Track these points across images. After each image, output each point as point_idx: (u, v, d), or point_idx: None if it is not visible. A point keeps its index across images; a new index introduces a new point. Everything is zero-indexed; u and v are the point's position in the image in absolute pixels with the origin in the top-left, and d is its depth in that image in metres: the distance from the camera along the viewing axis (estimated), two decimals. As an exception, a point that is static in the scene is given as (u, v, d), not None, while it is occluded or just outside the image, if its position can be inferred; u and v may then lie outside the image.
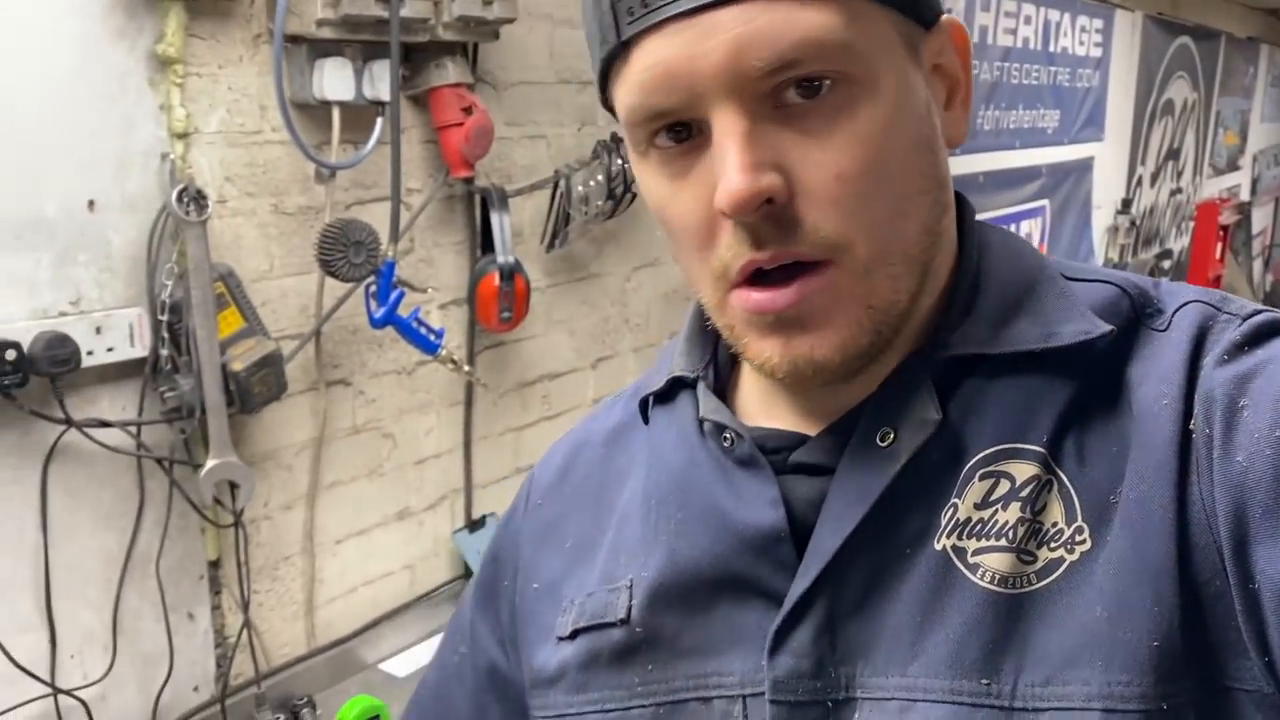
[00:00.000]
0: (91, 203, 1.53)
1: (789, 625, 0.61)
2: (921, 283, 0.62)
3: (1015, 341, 0.61)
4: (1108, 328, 0.60)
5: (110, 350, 1.54)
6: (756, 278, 0.59)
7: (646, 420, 0.74)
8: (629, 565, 0.69)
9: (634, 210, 2.46)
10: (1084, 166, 4.81)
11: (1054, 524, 0.58)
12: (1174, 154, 6.00)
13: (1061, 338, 0.61)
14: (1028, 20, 4.08)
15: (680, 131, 0.59)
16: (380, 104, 1.80)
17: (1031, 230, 4.40)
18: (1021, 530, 0.58)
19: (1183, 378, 0.59)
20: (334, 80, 1.73)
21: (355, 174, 1.86)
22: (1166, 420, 0.58)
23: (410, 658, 2.02)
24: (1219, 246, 6.08)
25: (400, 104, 1.88)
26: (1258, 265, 7.59)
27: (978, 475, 0.60)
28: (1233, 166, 7.23)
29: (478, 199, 2.06)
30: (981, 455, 0.60)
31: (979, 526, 0.59)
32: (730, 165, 0.56)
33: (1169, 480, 0.57)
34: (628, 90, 0.59)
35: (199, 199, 1.57)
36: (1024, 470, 0.59)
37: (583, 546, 0.74)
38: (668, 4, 0.56)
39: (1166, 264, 5.91)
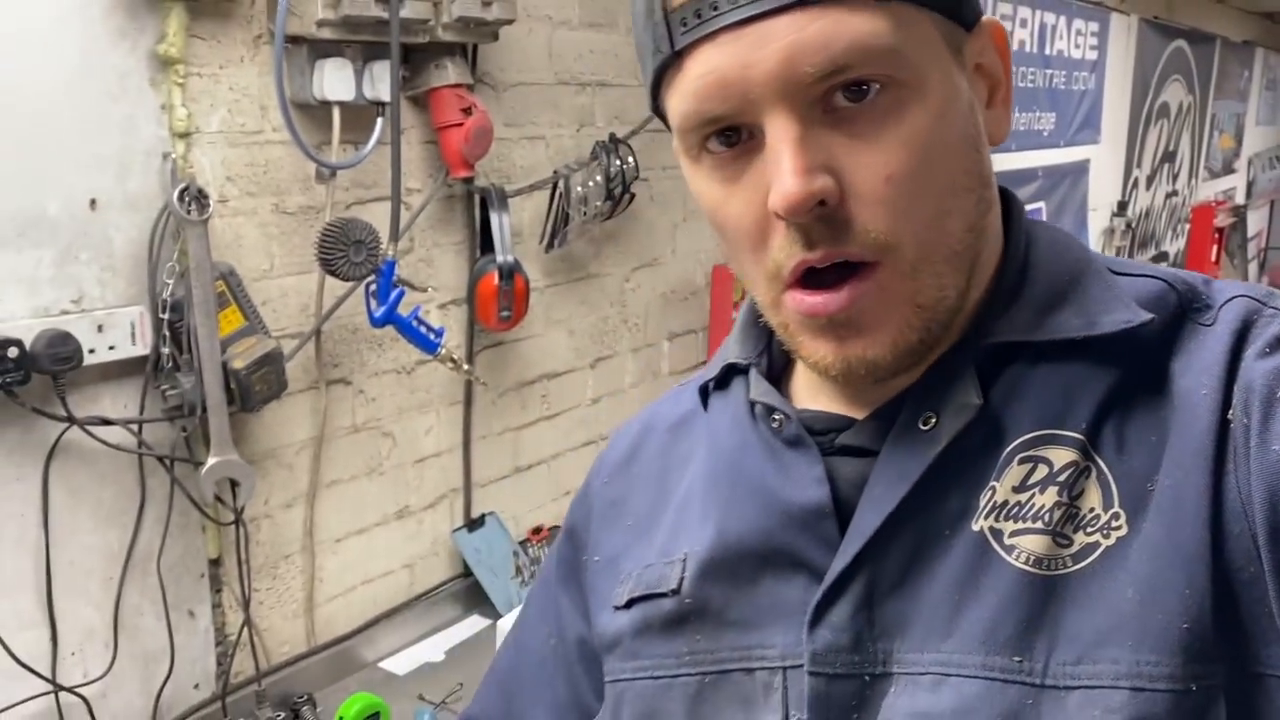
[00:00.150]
0: (93, 201, 1.53)
1: (829, 600, 0.63)
2: (969, 278, 0.64)
3: (1057, 330, 0.63)
4: (1148, 316, 0.62)
5: (112, 348, 1.55)
6: (808, 277, 0.61)
7: (705, 406, 0.77)
8: (686, 541, 0.72)
9: (633, 211, 2.48)
10: (1080, 169, 4.83)
11: (1091, 509, 0.59)
12: (1170, 157, 6.02)
13: (1103, 326, 0.62)
14: (1024, 23, 4.10)
15: (732, 136, 0.61)
16: (380, 104, 1.81)
17: (1028, 232, 4.40)
18: (1058, 514, 0.59)
19: (1223, 369, 0.60)
20: (334, 81, 1.74)
21: (355, 174, 1.87)
22: (1205, 410, 0.59)
23: (409, 656, 2.03)
24: (1214, 249, 6.10)
25: (400, 104, 1.88)
26: (1253, 268, 7.61)
27: (1016, 459, 0.61)
28: (1228, 169, 7.26)
29: (477, 199, 2.07)
30: (1021, 440, 0.62)
31: (1016, 509, 0.60)
32: (785, 169, 0.58)
33: (1206, 468, 0.58)
34: (681, 98, 0.61)
35: (200, 198, 1.58)
36: (1062, 456, 0.60)
37: (642, 525, 0.77)
38: (721, 15, 0.58)
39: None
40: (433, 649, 2.05)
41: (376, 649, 2.03)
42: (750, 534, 0.68)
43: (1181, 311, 0.64)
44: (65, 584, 1.57)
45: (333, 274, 1.73)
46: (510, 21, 1.93)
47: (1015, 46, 4.06)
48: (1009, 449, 0.62)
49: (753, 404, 0.71)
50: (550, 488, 2.43)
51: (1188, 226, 6.31)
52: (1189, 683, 0.55)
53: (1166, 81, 5.69)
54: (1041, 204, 4.50)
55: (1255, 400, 0.58)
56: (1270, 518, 0.55)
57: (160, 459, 1.64)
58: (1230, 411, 0.59)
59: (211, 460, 1.64)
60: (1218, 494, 0.57)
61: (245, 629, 1.79)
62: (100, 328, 1.53)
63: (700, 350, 2.88)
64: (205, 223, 1.59)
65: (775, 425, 0.69)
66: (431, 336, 1.86)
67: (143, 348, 1.59)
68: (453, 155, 1.93)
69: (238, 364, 1.62)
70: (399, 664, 2.01)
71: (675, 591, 0.70)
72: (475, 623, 2.12)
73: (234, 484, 1.69)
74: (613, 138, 2.36)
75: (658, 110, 0.67)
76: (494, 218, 2.01)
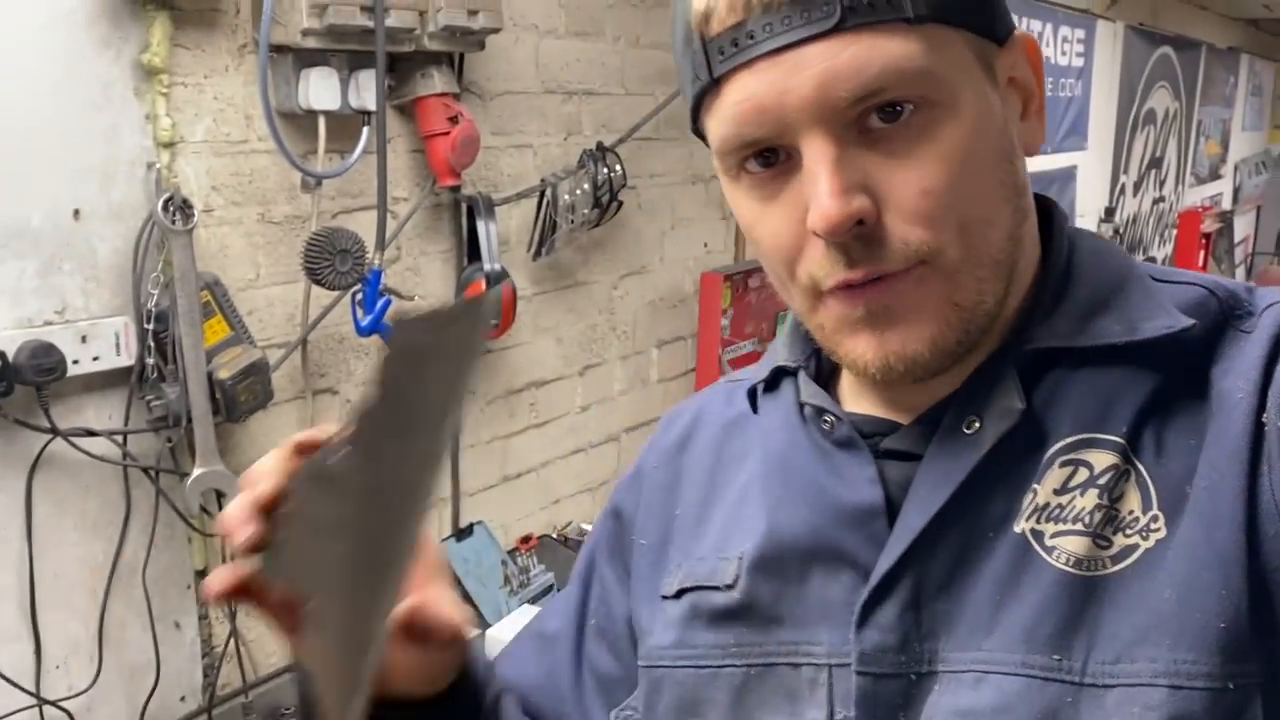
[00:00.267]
0: (77, 212, 1.53)
1: (875, 600, 0.64)
2: (1007, 286, 0.65)
3: (1098, 335, 0.64)
4: (1189, 322, 0.63)
5: (96, 359, 1.54)
6: (844, 288, 0.63)
7: (755, 409, 0.78)
8: (740, 539, 0.73)
9: (620, 218, 2.48)
10: (1067, 175, 4.85)
11: (1130, 512, 0.61)
12: (1156, 163, 6.05)
13: (1144, 332, 0.63)
14: (1010, 30, 4.12)
15: (769, 157, 0.63)
16: (366, 113, 1.81)
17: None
18: (1098, 516, 0.61)
19: (1260, 373, 0.61)
20: (320, 90, 1.74)
21: (341, 183, 1.86)
22: (1241, 413, 0.60)
23: (398, 667, 2.02)
24: (1201, 254, 6.13)
25: (386, 113, 1.88)
26: (1240, 272, 7.65)
27: (1058, 462, 0.63)
28: (1214, 175, 7.30)
29: (464, 207, 2.07)
30: (1062, 444, 0.63)
31: (1057, 511, 0.62)
32: (823, 190, 0.59)
33: (1240, 471, 0.59)
34: (720, 121, 0.63)
35: (185, 208, 1.58)
36: (1103, 459, 0.62)
37: (690, 515, 0.78)
38: (757, 44, 0.60)
39: (1150, 272, 5.94)
40: (421, 659, 2.04)
41: (364, 660, 2.02)
42: (801, 531, 0.69)
43: (1223, 318, 0.65)
44: (49, 597, 1.56)
45: (319, 283, 1.73)
46: (496, 31, 1.93)
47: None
48: (1050, 452, 0.63)
49: (802, 405, 0.73)
50: (539, 496, 2.43)
51: (1174, 232, 6.34)
52: (1226, 681, 0.56)
53: (1153, 88, 5.72)
54: (1029, 210, 4.50)
55: None
56: None
57: (145, 470, 1.63)
58: (1265, 415, 0.60)
59: (197, 471, 1.63)
60: (1252, 496, 0.59)
61: (232, 640, 1.78)
62: (84, 338, 1.53)
63: (689, 357, 2.87)
64: (190, 232, 1.58)
65: (826, 427, 0.71)
66: (418, 345, 1.85)
67: (127, 358, 1.58)
68: (439, 164, 1.93)
69: (223, 374, 1.62)
70: (387, 675, 2.00)
71: (729, 586, 0.71)
72: (464, 632, 2.11)
73: (220, 495, 1.68)
74: (600, 146, 2.36)
75: (698, 131, 0.68)
76: (481, 226, 2.00)
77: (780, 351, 0.77)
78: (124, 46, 1.55)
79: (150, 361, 1.59)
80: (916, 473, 0.65)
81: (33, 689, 1.54)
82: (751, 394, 0.78)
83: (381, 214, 1.80)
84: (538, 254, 2.25)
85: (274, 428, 1.82)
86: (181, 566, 1.73)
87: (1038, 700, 0.59)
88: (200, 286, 1.61)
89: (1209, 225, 6.26)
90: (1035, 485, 0.63)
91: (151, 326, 1.58)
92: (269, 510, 0.57)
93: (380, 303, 1.78)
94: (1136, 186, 5.76)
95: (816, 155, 0.60)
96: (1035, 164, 4.65)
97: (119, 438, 1.59)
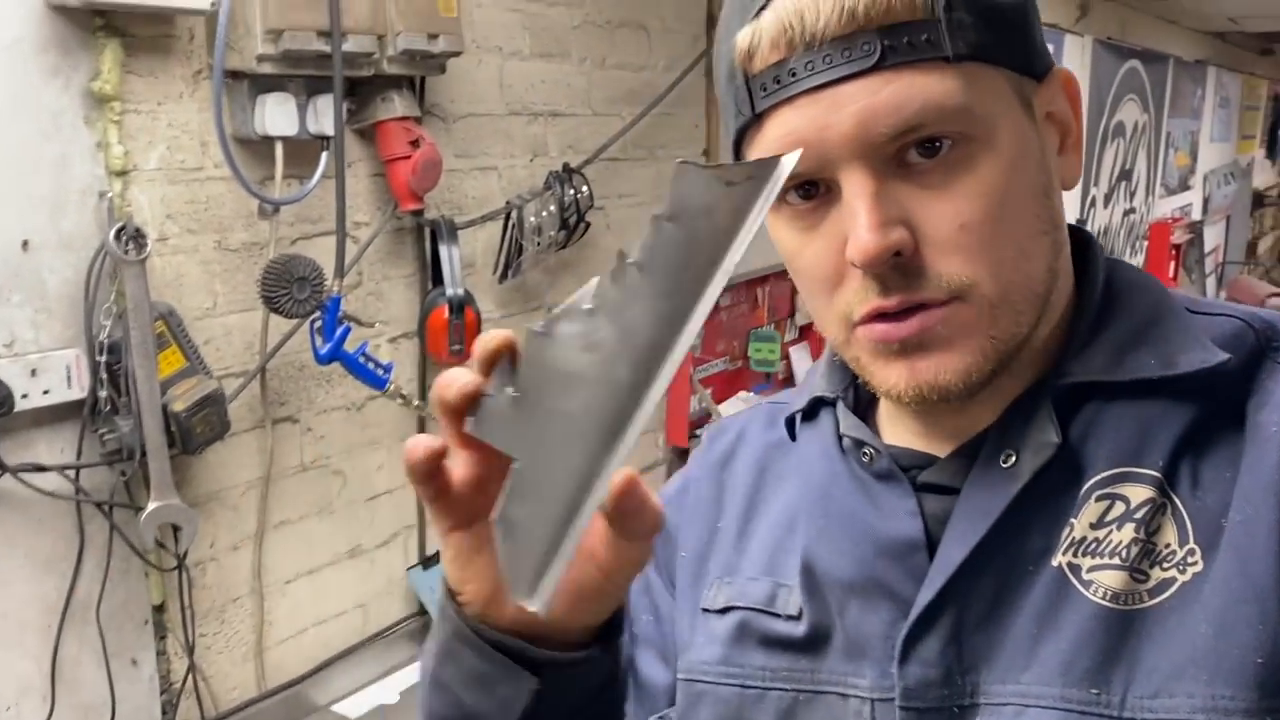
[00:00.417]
0: (26, 243, 1.50)
1: (916, 634, 0.65)
2: (1040, 316, 0.66)
3: (1135, 370, 0.64)
4: (1224, 356, 0.63)
5: (46, 393, 1.51)
6: (879, 317, 0.64)
7: (793, 436, 0.79)
8: (790, 565, 0.73)
9: (589, 239, 2.46)
10: (1038, 188, 4.85)
11: (1167, 545, 0.61)
12: (1126, 175, 6.09)
13: (1179, 366, 0.63)
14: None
15: (810, 190, 0.64)
16: (325, 139, 1.78)
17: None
18: (1135, 550, 0.61)
19: None
20: (276, 115, 1.72)
21: (301, 209, 1.84)
22: (1275, 445, 0.61)
23: (363, 698, 1.99)
24: (1172, 265, 6.17)
25: (346, 138, 1.86)
26: (1210, 282, 7.71)
27: (1094, 496, 0.63)
28: (1184, 186, 7.35)
29: (427, 231, 2.05)
30: (1098, 478, 0.63)
31: (1094, 545, 0.62)
32: (861, 224, 0.60)
33: (1275, 504, 0.59)
34: (761, 155, 0.63)
35: (138, 237, 1.55)
36: (1139, 493, 0.62)
37: (731, 530, 0.79)
38: (799, 81, 0.61)
39: (1122, 283, 5.97)
40: (387, 690, 2.01)
41: (329, 692, 1.99)
42: (843, 563, 0.69)
43: (1260, 350, 0.65)
44: (-1, 636, 1.52)
45: (276, 312, 1.70)
46: (457, 54, 1.91)
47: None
48: (1087, 486, 0.63)
49: (841, 437, 0.73)
50: (508, 521, 2.40)
51: (1145, 243, 6.38)
52: (1264, 716, 0.57)
53: (1122, 101, 5.76)
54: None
55: None
56: None
57: (98, 505, 1.59)
58: None
59: (152, 505, 1.60)
60: None
61: (190, 675, 1.74)
62: (34, 371, 1.49)
63: (660, 378, 2.86)
64: (143, 262, 1.55)
65: (865, 459, 0.71)
66: (380, 372, 1.83)
67: (79, 391, 1.55)
68: (400, 188, 1.91)
69: (178, 406, 1.59)
70: (352, 706, 1.96)
71: (793, 617, 0.72)
72: (431, 662, 2.08)
73: (176, 528, 1.65)
74: (566, 167, 2.34)
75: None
76: (443, 250, 1.98)
77: (818, 382, 0.77)
78: (73, 74, 1.52)
79: (103, 394, 1.56)
80: (955, 506, 0.66)
81: (-18, 732, 1.51)
82: (790, 422, 0.79)
83: (340, 240, 1.78)
84: (504, 276, 2.23)
85: (232, 459, 1.79)
86: (138, 602, 1.69)
87: None
88: (154, 317, 1.59)
89: (1179, 236, 6.30)
90: (1072, 519, 0.63)
91: (104, 358, 1.55)
92: (491, 365, 0.52)
93: (340, 330, 1.75)
94: (1107, 198, 5.80)
95: (856, 189, 0.61)
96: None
97: (71, 472, 1.56)
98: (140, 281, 1.55)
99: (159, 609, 1.72)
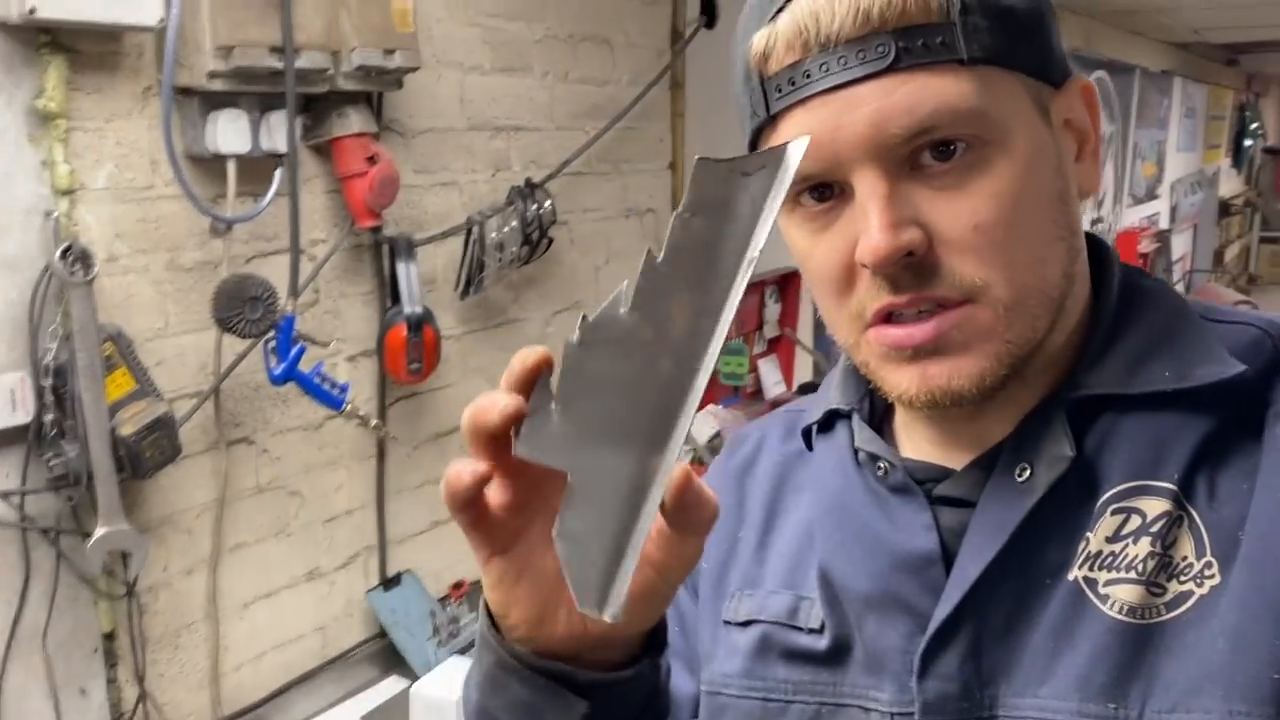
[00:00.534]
0: (-33, 264, 1.46)
1: (935, 649, 0.64)
2: (1054, 321, 0.65)
3: (1149, 382, 0.64)
4: (1240, 368, 0.62)
5: (-11, 418, 1.47)
6: (890, 317, 0.63)
7: (810, 446, 0.78)
8: (809, 579, 0.73)
9: (553, 254, 2.44)
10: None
11: (1184, 558, 0.61)
12: (1094, 185, 6.12)
13: (1195, 379, 0.63)
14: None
15: (824, 191, 0.64)
16: (279, 156, 1.76)
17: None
18: (1151, 564, 0.61)
19: None
20: (228, 132, 1.69)
21: (256, 226, 1.81)
22: None
23: (323, 723, 1.95)
24: (1140, 274, 6.21)
25: (301, 155, 1.84)
26: (1178, 290, 7.77)
27: (1109, 510, 0.63)
28: (1151, 196, 7.42)
29: (386, 248, 2.02)
30: (1114, 491, 0.63)
31: (1110, 559, 0.62)
32: (873, 224, 0.60)
33: None
34: None
35: (85, 257, 1.52)
36: (1155, 506, 0.62)
37: (750, 542, 0.79)
38: (813, 82, 0.61)
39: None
40: (347, 714, 1.98)
41: (288, 716, 1.96)
42: (859, 577, 0.69)
43: (1277, 358, 0.64)
44: (-59, 668, 1.48)
45: (229, 332, 1.68)
46: (414, 70, 1.89)
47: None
48: (1103, 500, 0.63)
49: (857, 450, 0.73)
50: (472, 540, 2.37)
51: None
52: None
53: (1088, 111, 5.79)
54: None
55: None
56: None
57: (45, 531, 1.56)
58: None
59: (99, 531, 1.56)
60: None
61: (142, 704, 1.70)
62: (-24, 396, 1.46)
63: (627, 392, 2.84)
64: (90, 283, 1.52)
65: (880, 473, 0.71)
66: (336, 392, 1.80)
67: (24, 415, 1.51)
68: (357, 205, 1.88)
69: (126, 430, 1.55)
70: (312, 732, 1.93)
71: (815, 630, 0.72)
72: (392, 685, 2.05)
73: (125, 555, 1.61)
74: (529, 182, 2.33)
75: None
76: (401, 267, 1.96)
77: (834, 394, 0.77)
78: (15, 92, 1.49)
79: (48, 418, 1.52)
80: (971, 520, 0.66)
81: (-77, 767, 1.46)
82: (806, 433, 0.78)
83: (294, 258, 1.75)
84: (465, 293, 2.21)
85: (185, 481, 1.76)
86: (87, 630, 1.65)
87: None
88: (102, 339, 1.55)
89: (1147, 245, 6.36)
90: (1088, 533, 0.63)
91: (49, 382, 1.51)
92: (530, 385, 0.51)
93: (294, 350, 1.73)
94: (1075, 209, 5.83)
95: (868, 190, 0.61)
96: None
97: (16, 499, 1.52)
98: (87, 303, 1.52)
99: (109, 636, 1.69)
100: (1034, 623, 0.63)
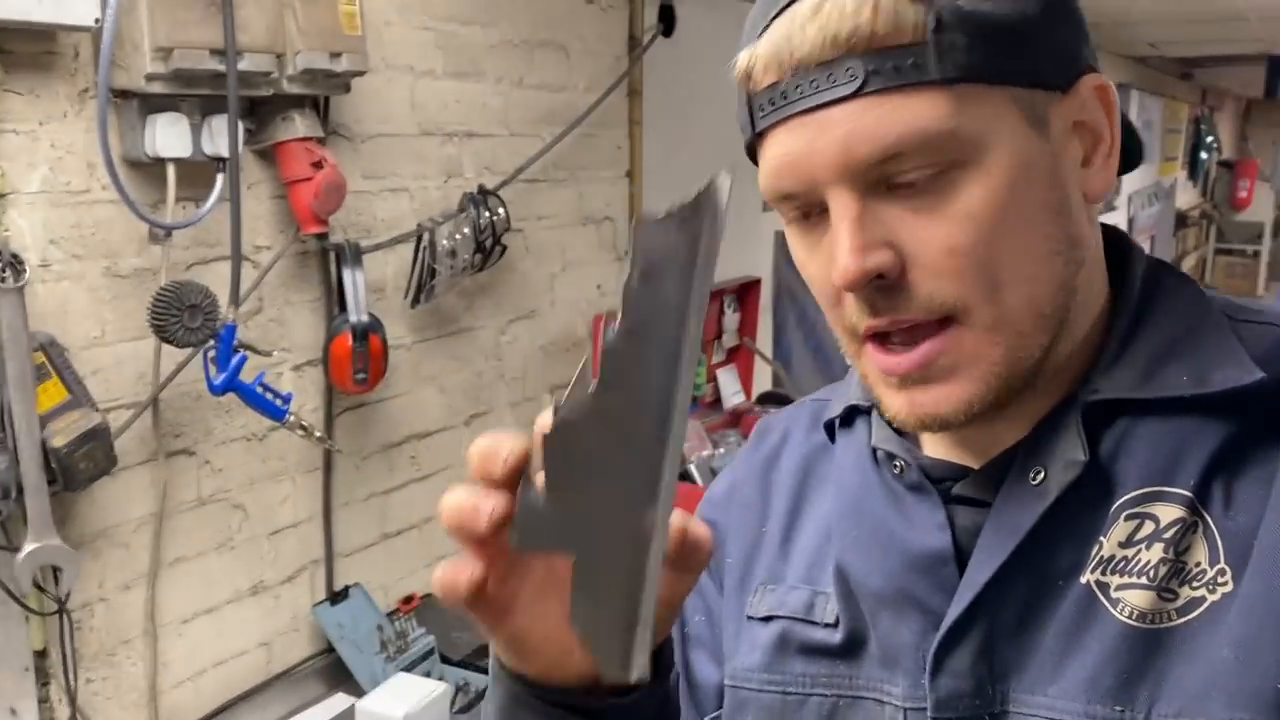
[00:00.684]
0: (-111, 270, 1.41)
1: (947, 647, 0.65)
2: (1056, 334, 0.65)
3: (1164, 387, 0.63)
4: (1258, 375, 0.62)
5: (-88, 429, 1.42)
6: (881, 338, 0.65)
7: (833, 439, 0.79)
8: (827, 574, 0.74)
9: (507, 261, 2.41)
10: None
11: (1197, 564, 0.61)
12: (1052, 196, 6.17)
13: (1212, 385, 0.62)
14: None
15: (807, 209, 0.65)
16: (221, 160, 1.72)
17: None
18: (1163, 570, 0.61)
19: None
20: (168, 136, 1.65)
21: (198, 232, 1.77)
22: None
23: (267, 741, 1.91)
24: (1098, 284, 6.27)
25: (246, 160, 1.80)
26: (1136, 301, 7.86)
27: (1123, 516, 0.63)
28: (1109, 208, 7.49)
29: (332, 255, 1.98)
30: (1128, 497, 0.63)
31: (1122, 564, 0.62)
32: (841, 247, 0.61)
33: None
34: (763, 174, 0.66)
35: (15, 263, 1.47)
36: (1169, 513, 0.62)
37: (775, 536, 0.80)
38: (790, 104, 0.62)
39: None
40: (293, 732, 1.93)
41: (230, 735, 1.91)
42: (873, 574, 0.70)
43: None
44: None
45: (167, 340, 1.63)
46: (361, 73, 1.86)
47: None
48: (1117, 505, 0.63)
49: (875, 448, 0.73)
50: (423, 553, 2.33)
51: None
52: None
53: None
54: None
55: None
56: None
57: (-29, 546, 1.51)
58: None
59: (30, 546, 1.51)
60: None
61: (75, 724, 1.65)
62: (-102, 407, 1.41)
63: (583, 402, 2.81)
64: (21, 289, 1.47)
65: (896, 471, 0.72)
66: (278, 403, 1.76)
67: (-51, 427, 1.46)
68: (302, 211, 1.84)
69: (58, 441, 1.51)
70: (254, 750, 1.88)
71: (830, 625, 0.73)
72: (339, 702, 2.00)
73: (56, 570, 1.56)
74: (482, 189, 2.30)
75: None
76: (346, 275, 1.92)
77: (854, 389, 0.77)
78: (-57, 92, 1.45)
79: (-25, 430, 1.47)
80: (985, 521, 0.66)
81: None
82: (829, 426, 0.79)
83: (236, 265, 1.71)
84: (416, 301, 2.17)
85: (122, 493, 1.71)
86: (16, 648, 1.60)
87: None
88: (34, 347, 1.51)
89: (1104, 256, 6.41)
90: (1101, 537, 0.63)
91: (-23, 392, 1.46)
92: (516, 482, 0.52)
93: (235, 359, 1.68)
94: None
95: (840, 212, 0.62)
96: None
97: (-60, 513, 1.47)
98: (18, 310, 1.47)
99: (40, 654, 1.63)
100: (1045, 624, 0.64)
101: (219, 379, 1.67)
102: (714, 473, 2.90)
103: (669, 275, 0.49)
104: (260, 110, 1.82)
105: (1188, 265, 10.18)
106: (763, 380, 3.62)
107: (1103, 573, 0.62)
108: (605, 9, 2.72)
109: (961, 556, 0.67)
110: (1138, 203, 8.22)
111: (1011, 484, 0.66)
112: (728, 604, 0.81)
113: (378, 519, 2.21)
